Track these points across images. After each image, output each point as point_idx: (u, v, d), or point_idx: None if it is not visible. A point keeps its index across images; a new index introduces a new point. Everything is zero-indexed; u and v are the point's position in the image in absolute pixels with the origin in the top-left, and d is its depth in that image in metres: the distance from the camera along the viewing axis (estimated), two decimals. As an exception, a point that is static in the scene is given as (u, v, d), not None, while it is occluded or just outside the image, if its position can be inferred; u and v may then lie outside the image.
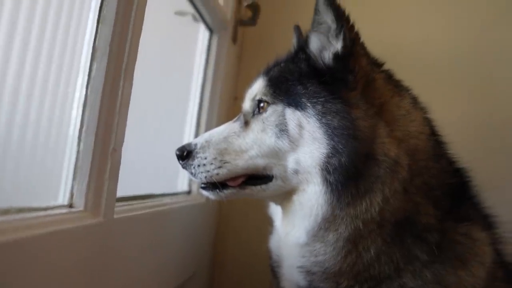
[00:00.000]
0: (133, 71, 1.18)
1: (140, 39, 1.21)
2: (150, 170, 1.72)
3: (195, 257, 1.95)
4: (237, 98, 2.27)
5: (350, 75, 1.14)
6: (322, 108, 1.11)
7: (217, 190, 1.21)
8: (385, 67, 1.29)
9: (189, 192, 2.02)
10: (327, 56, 1.16)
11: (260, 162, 1.17)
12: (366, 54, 1.22)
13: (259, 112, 1.22)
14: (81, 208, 1.08)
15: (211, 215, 2.23)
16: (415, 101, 1.25)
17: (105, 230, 1.11)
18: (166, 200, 1.68)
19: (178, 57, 1.95)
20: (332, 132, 1.08)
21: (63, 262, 0.96)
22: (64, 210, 1.04)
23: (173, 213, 1.62)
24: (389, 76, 1.25)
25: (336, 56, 1.15)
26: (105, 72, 1.10)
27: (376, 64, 1.26)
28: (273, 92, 1.19)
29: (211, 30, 2.16)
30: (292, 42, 1.40)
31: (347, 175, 1.07)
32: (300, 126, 1.12)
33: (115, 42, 1.12)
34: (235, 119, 1.29)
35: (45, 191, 1.09)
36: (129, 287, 1.26)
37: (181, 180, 1.98)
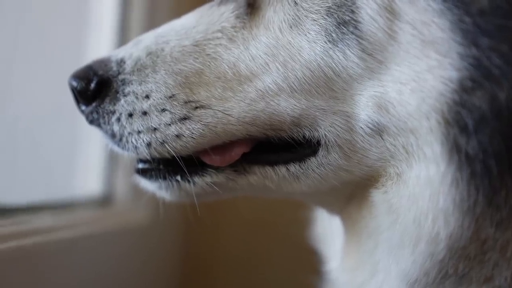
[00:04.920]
0: None
1: None
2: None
3: None
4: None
5: None
6: None
7: (178, 177, 0.76)
8: None
9: (105, 201, 1.30)
10: None
11: (286, 105, 0.75)
12: None
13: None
14: None
15: (167, 257, 1.41)
16: None
17: None
18: (38, 222, 1.05)
19: None
20: (474, 24, 0.63)
21: None
22: None
23: (60, 255, 1.02)
24: None
25: None
26: None
27: None
28: None
29: None
30: None
31: None
32: (390, 11, 0.69)
33: None
34: None
35: None
36: None
37: (83, 170, 1.28)
